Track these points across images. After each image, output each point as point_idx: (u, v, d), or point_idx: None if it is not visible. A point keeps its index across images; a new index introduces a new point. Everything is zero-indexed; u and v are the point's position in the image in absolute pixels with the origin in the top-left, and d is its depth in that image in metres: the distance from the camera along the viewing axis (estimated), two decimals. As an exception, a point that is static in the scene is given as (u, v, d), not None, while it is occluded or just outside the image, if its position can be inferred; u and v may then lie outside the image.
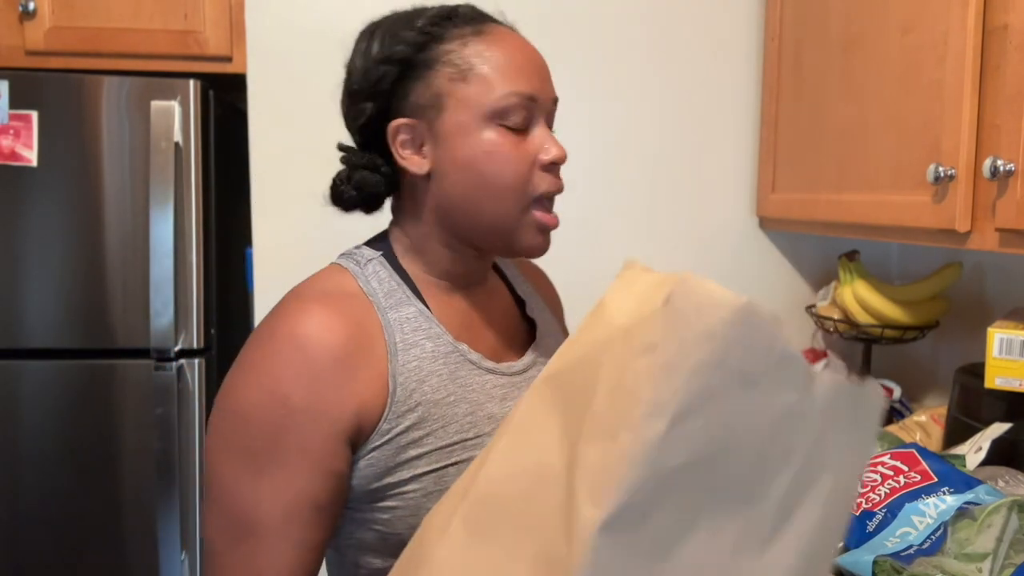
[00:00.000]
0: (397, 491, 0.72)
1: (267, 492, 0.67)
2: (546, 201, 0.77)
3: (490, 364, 0.80)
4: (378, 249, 0.80)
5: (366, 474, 0.71)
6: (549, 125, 0.78)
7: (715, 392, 0.48)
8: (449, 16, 0.76)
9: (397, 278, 0.78)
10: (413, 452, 0.72)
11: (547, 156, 0.75)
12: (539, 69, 0.77)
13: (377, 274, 0.78)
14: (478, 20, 0.77)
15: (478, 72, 0.74)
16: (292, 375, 0.67)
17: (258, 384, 0.68)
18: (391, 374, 0.72)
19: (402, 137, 0.76)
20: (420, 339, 0.75)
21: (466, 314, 0.82)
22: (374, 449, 0.71)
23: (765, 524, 0.51)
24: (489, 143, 0.74)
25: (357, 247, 0.82)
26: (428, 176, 0.76)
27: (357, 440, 0.71)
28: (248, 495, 0.67)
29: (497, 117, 0.74)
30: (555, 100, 0.78)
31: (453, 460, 0.73)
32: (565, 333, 0.99)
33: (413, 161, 0.76)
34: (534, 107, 0.76)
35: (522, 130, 0.75)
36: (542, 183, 0.76)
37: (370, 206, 0.81)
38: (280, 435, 0.67)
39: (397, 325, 0.74)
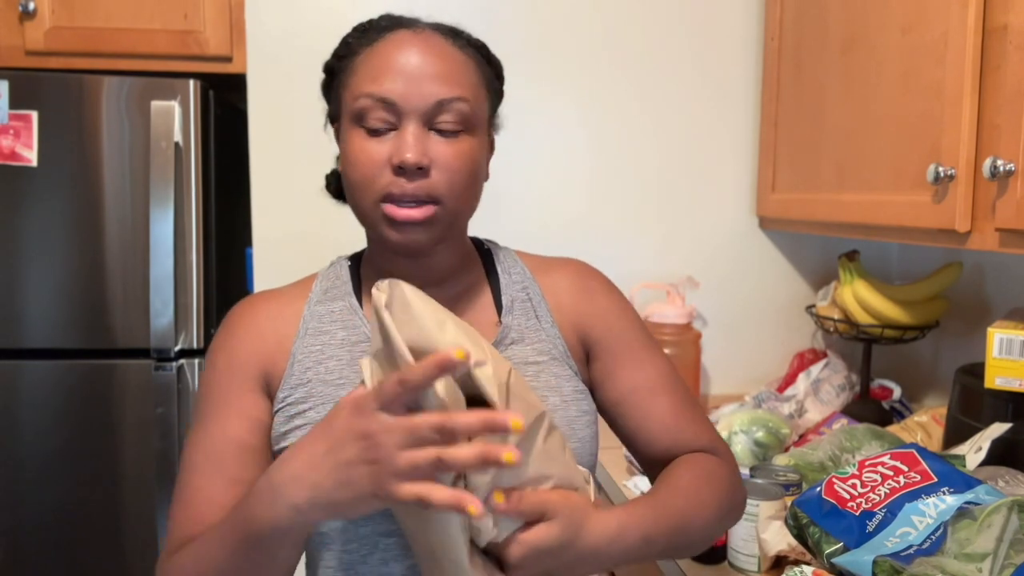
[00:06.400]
0: None
1: (203, 436, 0.81)
2: (399, 198, 0.78)
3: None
4: (362, 251, 0.91)
5: (272, 435, 0.82)
6: (429, 127, 0.78)
7: None
8: (367, 28, 0.82)
9: (346, 276, 0.88)
10: (298, 421, 0.80)
11: (395, 159, 0.76)
12: (406, 72, 0.77)
13: (329, 275, 0.89)
14: (387, 29, 0.80)
15: (353, 79, 0.79)
16: (218, 345, 0.85)
17: (206, 358, 0.86)
18: (293, 352, 0.83)
19: (337, 139, 0.84)
20: (335, 328, 0.84)
21: None
22: (276, 412, 0.82)
23: None
24: (348, 145, 0.80)
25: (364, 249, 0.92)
26: None
27: (269, 396, 0.83)
28: (193, 440, 0.82)
29: (356, 120, 0.78)
30: (438, 102, 0.77)
31: None
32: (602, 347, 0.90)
33: (340, 161, 0.83)
34: (395, 109, 0.76)
35: (383, 132, 0.77)
36: (390, 184, 0.76)
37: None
38: (211, 391, 0.83)
39: (317, 316, 0.85)
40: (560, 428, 0.77)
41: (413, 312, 0.66)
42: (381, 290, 0.69)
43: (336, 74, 0.83)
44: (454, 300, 0.87)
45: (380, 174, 0.77)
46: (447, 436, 0.58)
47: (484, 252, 0.94)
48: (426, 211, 0.77)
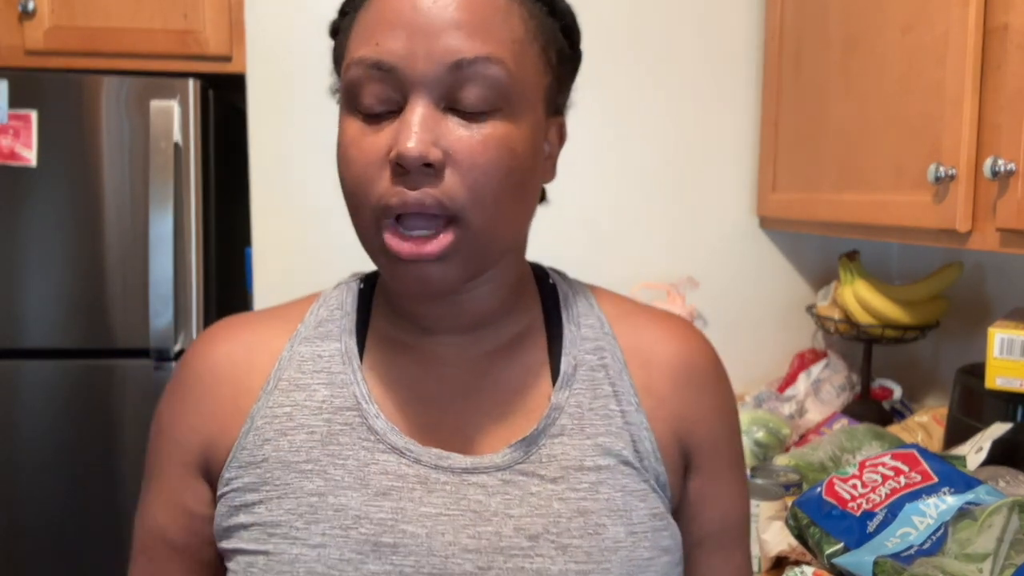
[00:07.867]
0: (228, 564, 0.58)
1: (144, 509, 0.64)
2: (400, 217, 0.52)
3: (403, 443, 0.57)
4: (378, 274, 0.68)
5: (215, 527, 0.60)
6: (447, 106, 0.52)
7: None
8: None
9: (351, 306, 0.63)
10: (243, 518, 0.57)
11: (392, 152, 0.51)
12: (411, 24, 0.51)
13: (330, 300, 0.64)
14: None
15: (349, 42, 0.55)
16: (168, 393, 0.63)
17: (160, 401, 0.65)
18: (251, 414, 0.59)
19: None
20: (317, 383, 0.59)
21: (418, 370, 0.61)
22: (220, 498, 0.59)
23: None
24: (340, 136, 0.55)
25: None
26: None
27: (210, 480, 0.61)
28: (140, 504, 0.64)
29: (349, 100, 0.54)
30: (456, 63, 0.51)
31: (266, 548, 0.55)
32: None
33: None
34: (395, 79, 0.52)
35: (383, 116, 0.53)
36: (387, 194, 0.52)
37: None
38: (152, 454, 0.63)
39: (298, 361, 0.60)
40: None
41: None
42: None
43: (338, 36, 0.59)
44: (493, 356, 0.61)
45: (376, 177, 0.52)
46: None
47: (547, 287, 0.67)
48: (442, 242, 0.52)
